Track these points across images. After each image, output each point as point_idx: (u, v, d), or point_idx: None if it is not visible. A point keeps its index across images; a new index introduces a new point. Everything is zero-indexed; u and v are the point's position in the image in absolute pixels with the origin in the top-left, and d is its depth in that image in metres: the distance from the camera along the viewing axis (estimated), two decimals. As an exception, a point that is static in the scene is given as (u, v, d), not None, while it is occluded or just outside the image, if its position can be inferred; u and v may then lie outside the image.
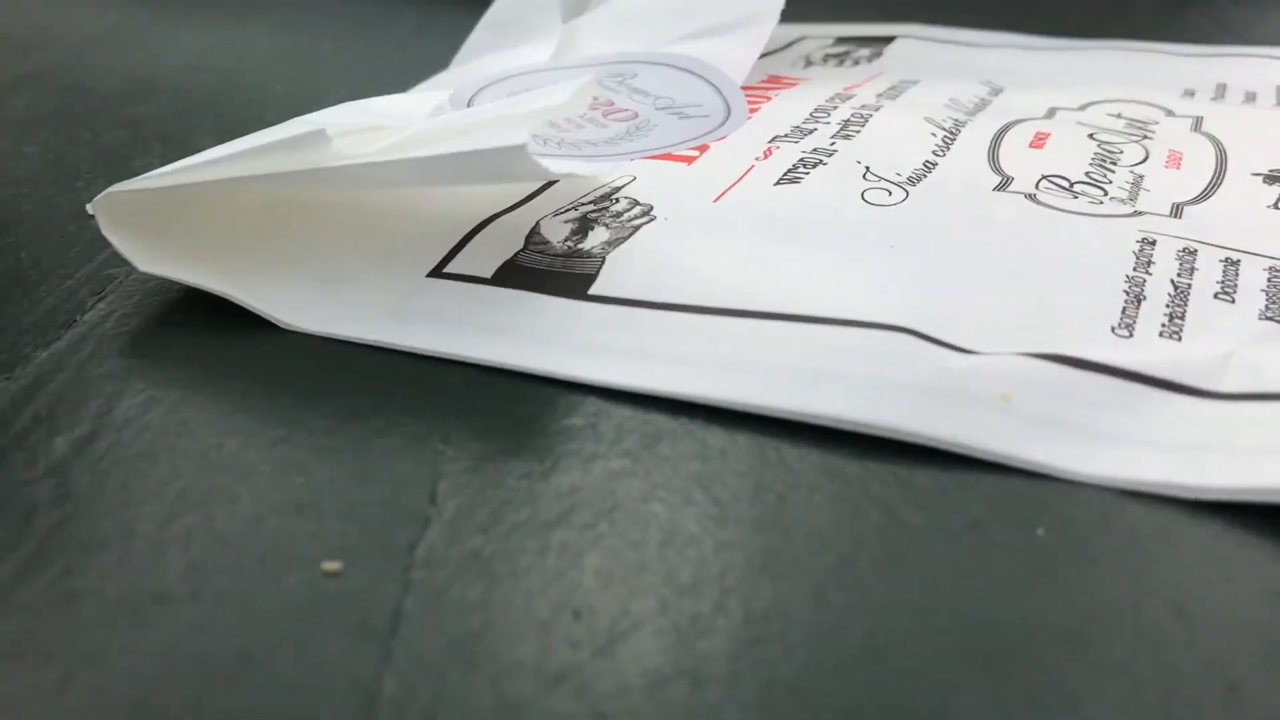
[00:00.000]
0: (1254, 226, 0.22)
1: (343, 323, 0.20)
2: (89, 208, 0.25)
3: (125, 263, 0.21)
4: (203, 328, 0.20)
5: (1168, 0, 0.40)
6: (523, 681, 0.13)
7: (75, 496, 0.16)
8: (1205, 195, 0.23)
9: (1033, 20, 0.35)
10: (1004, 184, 0.23)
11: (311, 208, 0.22)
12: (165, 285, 0.21)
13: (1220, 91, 0.29)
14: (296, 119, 0.25)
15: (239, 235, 0.22)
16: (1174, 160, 0.25)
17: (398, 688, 0.13)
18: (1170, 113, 0.28)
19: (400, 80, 0.32)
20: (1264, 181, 0.24)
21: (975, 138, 0.26)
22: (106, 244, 0.21)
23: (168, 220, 0.21)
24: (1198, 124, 0.27)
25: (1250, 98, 0.29)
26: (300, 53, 0.36)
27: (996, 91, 0.29)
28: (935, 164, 0.24)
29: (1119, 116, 0.27)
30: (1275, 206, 0.23)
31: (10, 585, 0.14)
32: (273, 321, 0.20)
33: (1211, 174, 0.24)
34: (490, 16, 0.33)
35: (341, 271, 0.21)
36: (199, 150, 0.25)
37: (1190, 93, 0.29)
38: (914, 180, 0.23)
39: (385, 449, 0.17)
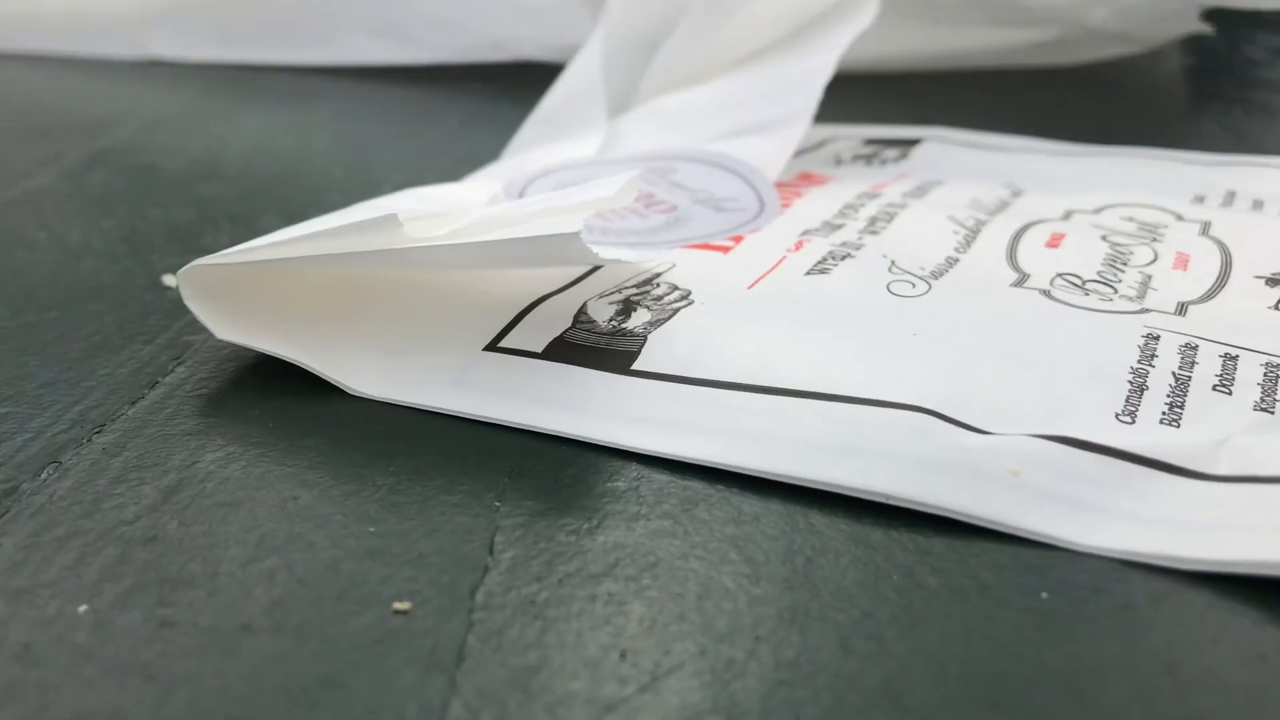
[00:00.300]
0: (1254, 325, 0.23)
1: (406, 390, 0.22)
2: (167, 279, 0.27)
3: (202, 330, 0.23)
4: (276, 392, 0.22)
5: (1184, 109, 0.42)
6: (576, 710, 0.14)
7: (165, 539, 0.18)
8: (1210, 295, 0.25)
9: (1054, 126, 0.37)
10: (1020, 280, 0.25)
11: (378, 283, 0.24)
12: (239, 351, 0.23)
13: (1229, 198, 0.31)
14: (364, 203, 0.27)
15: (310, 307, 0.23)
16: (1181, 261, 0.26)
17: (464, 712, 0.14)
18: (1180, 217, 0.29)
19: (451, 169, 0.34)
20: (1266, 284, 0.25)
21: (995, 236, 0.28)
22: (184, 312, 0.23)
23: (244, 292, 0.23)
24: (1205, 228, 0.29)
25: (1258, 205, 0.30)
26: (358, 140, 0.39)
27: (1017, 193, 0.31)
28: (957, 260, 0.26)
29: (1131, 220, 0.29)
30: (1275, 308, 0.24)
31: (111, 612, 0.16)
32: (341, 388, 0.22)
33: (1216, 275, 0.26)
34: (539, 112, 0.35)
35: (405, 343, 0.23)
36: (265, 228, 0.27)
37: (1200, 198, 0.31)
38: (936, 274, 0.25)
39: (447, 505, 0.18)
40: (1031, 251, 0.27)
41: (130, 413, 0.21)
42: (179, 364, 0.23)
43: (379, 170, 0.35)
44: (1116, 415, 0.20)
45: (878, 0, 0.33)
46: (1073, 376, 0.21)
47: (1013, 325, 0.23)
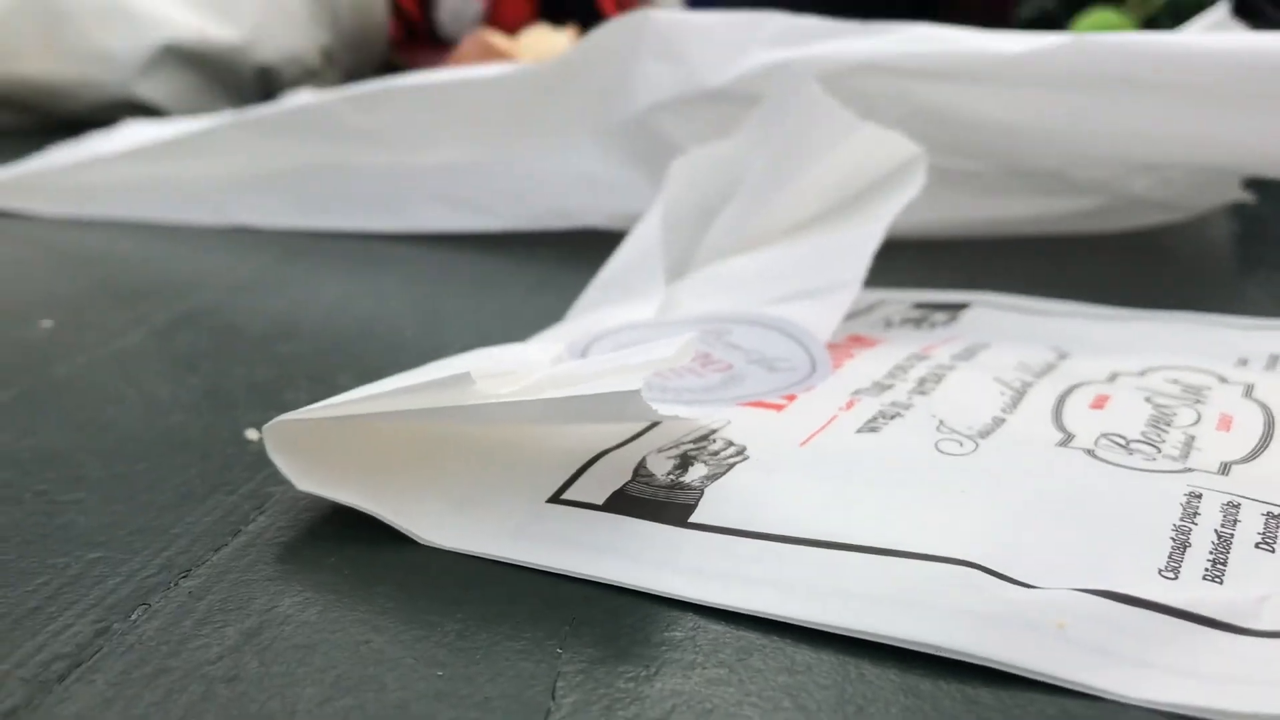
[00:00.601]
0: (1297, 485, 0.24)
1: (474, 541, 0.23)
2: (249, 433, 0.29)
3: (282, 481, 0.24)
4: (351, 540, 0.23)
5: (1228, 275, 0.43)
6: None
7: (246, 678, 0.19)
8: (1253, 456, 0.25)
9: (1100, 291, 0.38)
10: (1066, 440, 0.26)
11: (448, 437, 0.26)
12: (317, 502, 0.24)
13: (1272, 362, 0.32)
14: (435, 363, 0.29)
15: (383, 459, 0.25)
16: (1225, 423, 0.27)
17: (527, 847, 0.15)
18: (1223, 379, 0.30)
19: (518, 331, 0.35)
20: (1309, 445, 0.26)
21: (1041, 398, 0.28)
22: (265, 465, 0.24)
23: (323, 445, 0.24)
24: (1249, 390, 0.29)
25: (1300, 368, 0.31)
26: (429, 303, 0.40)
27: (1063, 356, 0.32)
28: (1004, 420, 0.27)
29: (1175, 382, 0.30)
30: (1319, 468, 0.25)
31: (196, 749, 0.17)
32: (413, 537, 0.23)
33: (1260, 437, 0.26)
34: (602, 277, 0.37)
35: (473, 495, 0.24)
36: (341, 386, 0.29)
37: (1244, 362, 0.32)
38: (984, 434, 0.26)
39: (511, 650, 0.19)
40: (1077, 412, 0.28)
41: (214, 559, 0.23)
42: (260, 513, 0.25)
43: (449, 332, 0.37)
44: (1160, 571, 0.21)
45: (924, 173, 0.35)
46: (1116, 533, 0.22)
47: (1058, 483, 0.24)
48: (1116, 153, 0.40)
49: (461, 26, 0.78)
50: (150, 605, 0.21)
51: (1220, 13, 0.50)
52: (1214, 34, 0.42)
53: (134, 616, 0.21)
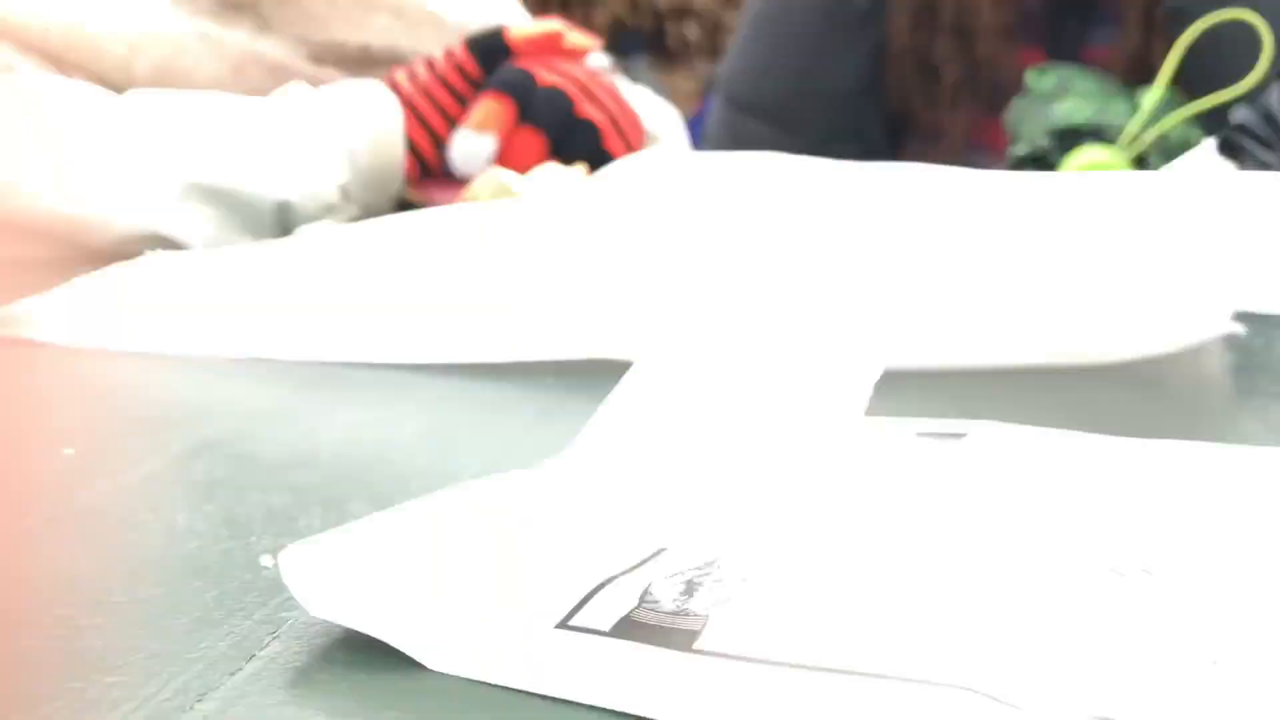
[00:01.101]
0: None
1: (481, 667, 0.23)
2: (265, 559, 0.29)
3: (295, 607, 0.25)
4: (362, 665, 0.24)
5: (1223, 405, 0.44)
6: None
7: (260, 801, 0.19)
8: (1245, 582, 0.26)
9: (1097, 421, 0.39)
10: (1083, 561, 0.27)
11: (458, 564, 0.26)
12: (330, 627, 0.25)
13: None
14: (443, 491, 0.29)
15: (395, 586, 0.25)
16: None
17: None
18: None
19: (527, 456, 0.36)
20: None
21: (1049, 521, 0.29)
22: (279, 590, 0.25)
23: (333, 572, 0.25)
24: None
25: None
26: (440, 431, 0.41)
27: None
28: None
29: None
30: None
31: None
32: (421, 663, 0.24)
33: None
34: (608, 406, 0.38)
35: (481, 621, 0.25)
36: (354, 514, 0.30)
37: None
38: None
39: (519, 773, 0.20)
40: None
41: (229, 683, 0.23)
42: (274, 638, 0.25)
43: (459, 459, 0.38)
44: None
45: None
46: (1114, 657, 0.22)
47: (1064, 608, 0.24)
48: (1103, 285, 0.41)
49: (473, 167, 0.81)
50: (167, 729, 0.21)
51: (1205, 151, 0.52)
52: (1199, 173, 0.44)
53: (151, 740, 0.21)
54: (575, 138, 0.85)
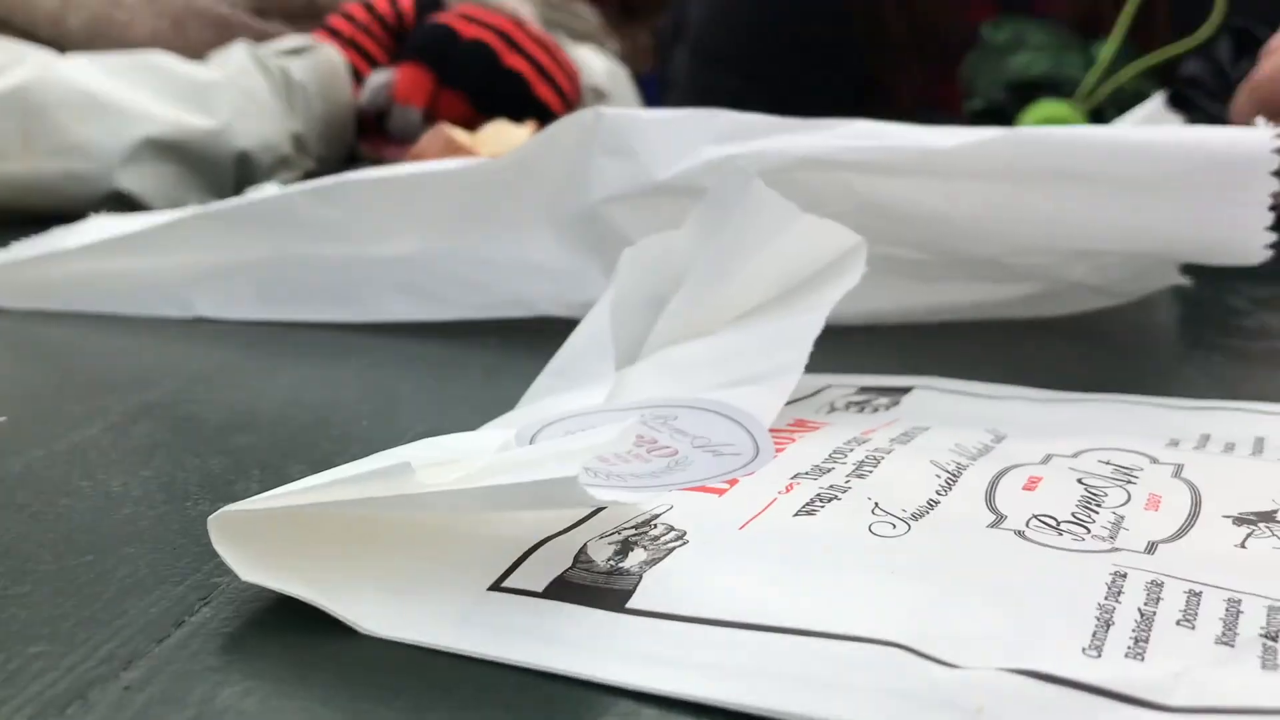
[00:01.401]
0: (1219, 563, 0.25)
1: (414, 630, 0.23)
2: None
3: (228, 572, 0.24)
4: (294, 630, 0.23)
5: (1168, 357, 0.44)
6: None
7: (181, 769, 0.19)
8: (1179, 535, 0.26)
9: (1041, 375, 0.39)
10: (997, 521, 0.27)
11: (390, 527, 0.26)
12: (262, 592, 0.25)
13: (1203, 441, 0.33)
14: (383, 453, 0.29)
15: (326, 549, 0.25)
16: (1154, 503, 0.28)
17: None
18: (1154, 460, 0.31)
19: (470, 419, 0.36)
20: (1233, 523, 0.27)
21: (975, 480, 0.29)
22: (212, 555, 0.24)
23: (267, 536, 0.25)
24: (1178, 470, 0.30)
25: (1229, 448, 0.32)
26: (384, 392, 0.41)
27: (999, 439, 0.33)
28: (938, 502, 0.28)
29: (1108, 463, 0.31)
30: (1241, 546, 0.26)
31: (127, 840, 0.17)
32: (353, 627, 0.23)
33: (1186, 515, 0.27)
34: (554, 364, 0.37)
35: (414, 584, 0.24)
36: (292, 476, 0.29)
37: (1175, 442, 0.32)
38: (917, 516, 0.27)
39: (445, 737, 0.20)
40: (1009, 494, 0.28)
41: (157, 650, 0.23)
42: (205, 604, 0.25)
43: (403, 421, 0.38)
44: (1083, 649, 0.21)
45: (863, 262, 0.36)
46: (1042, 612, 0.22)
47: (986, 564, 0.24)
48: (1051, 241, 0.41)
49: (410, 134, 0.84)
50: (87, 700, 0.21)
51: (1156, 104, 0.52)
52: (1144, 127, 0.44)
53: (69, 711, 0.21)
54: (501, 87, 0.88)
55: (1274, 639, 0.21)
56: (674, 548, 0.25)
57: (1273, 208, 0.37)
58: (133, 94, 0.75)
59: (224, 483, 0.32)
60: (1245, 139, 0.37)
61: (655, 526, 0.26)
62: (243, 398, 0.41)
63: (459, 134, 0.61)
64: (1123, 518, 0.27)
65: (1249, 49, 0.66)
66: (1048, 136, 0.39)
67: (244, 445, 0.35)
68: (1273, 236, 0.38)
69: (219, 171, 0.77)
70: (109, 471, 0.33)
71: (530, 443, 0.32)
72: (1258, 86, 0.56)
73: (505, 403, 0.37)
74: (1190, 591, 0.23)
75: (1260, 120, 0.37)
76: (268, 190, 0.54)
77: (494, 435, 0.31)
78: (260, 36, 0.92)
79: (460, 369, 0.44)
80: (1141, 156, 0.38)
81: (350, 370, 0.44)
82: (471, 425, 0.35)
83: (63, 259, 0.52)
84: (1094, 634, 0.22)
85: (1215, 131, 0.39)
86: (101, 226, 0.56)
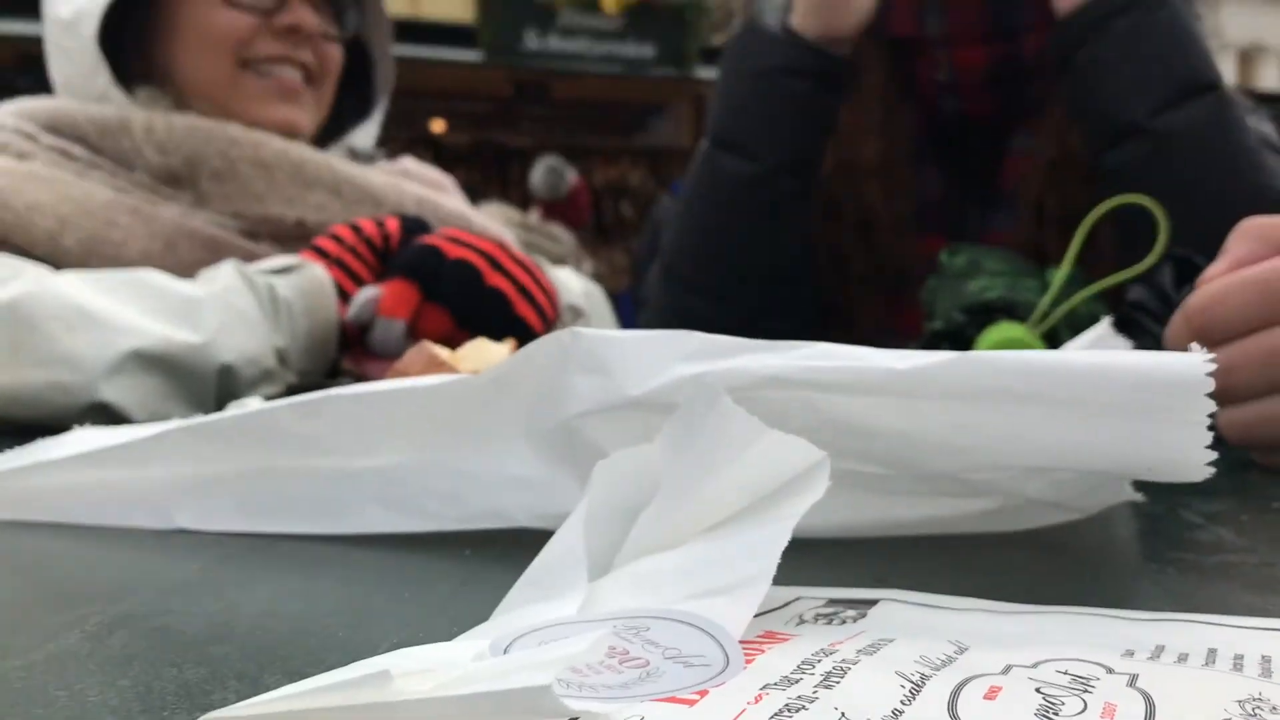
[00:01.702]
0: (1172, 771, 0.25)
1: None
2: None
3: (205, 781, 0.25)
4: (268, 838, 0.24)
5: (1123, 570, 0.46)
6: None
7: None
8: (1134, 743, 0.27)
9: (1002, 587, 0.40)
10: (958, 729, 0.27)
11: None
12: (238, 801, 0.25)
13: (1157, 652, 0.34)
14: (359, 663, 0.30)
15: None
16: (1109, 711, 0.29)
17: None
18: (1110, 670, 0.32)
19: (445, 629, 0.36)
20: (1185, 732, 0.28)
21: (938, 689, 0.30)
22: (189, 765, 0.25)
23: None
24: (1133, 680, 0.31)
25: (1182, 658, 0.33)
26: (360, 602, 0.42)
27: (962, 650, 0.34)
28: (902, 711, 0.29)
29: (1065, 673, 0.32)
30: (1194, 754, 0.26)
31: None
32: (328, 834, 0.24)
33: (1140, 724, 0.28)
34: (527, 576, 0.38)
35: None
36: (268, 686, 0.30)
37: (1130, 653, 0.33)
38: (880, 724, 0.28)
39: None
40: (970, 703, 0.29)
41: None
42: (180, 813, 0.25)
43: (379, 631, 0.38)
44: None
45: (826, 476, 0.37)
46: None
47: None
48: (1007, 458, 0.43)
49: (392, 349, 0.86)
50: None
51: (1104, 328, 0.55)
52: (1090, 351, 0.46)
53: None
54: (484, 306, 0.91)
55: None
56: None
57: (1210, 428, 0.39)
58: (121, 308, 0.78)
59: (201, 693, 0.33)
60: (1181, 363, 0.39)
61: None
62: (220, 608, 0.41)
63: (441, 351, 0.64)
64: (1079, 726, 0.28)
65: (1189, 276, 0.70)
66: (1000, 361, 0.41)
67: (221, 655, 0.36)
68: (1213, 455, 0.40)
69: (202, 384, 0.79)
70: (86, 681, 0.34)
71: (505, 652, 0.33)
72: (1192, 315, 0.58)
73: (480, 613, 0.38)
74: (1144, 799, 0.24)
75: (1195, 345, 0.39)
76: (250, 404, 0.56)
77: (469, 645, 0.32)
78: (250, 257, 0.95)
79: (436, 580, 0.44)
80: (1087, 381, 0.40)
81: (327, 581, 0.44)
82: (447, 635, 0.36)
83: (46, 470, 0.53)
84: (1052, 840, 0.22)
85: (1155, 356, 0.41)
86: (85, 438, 0.57)
